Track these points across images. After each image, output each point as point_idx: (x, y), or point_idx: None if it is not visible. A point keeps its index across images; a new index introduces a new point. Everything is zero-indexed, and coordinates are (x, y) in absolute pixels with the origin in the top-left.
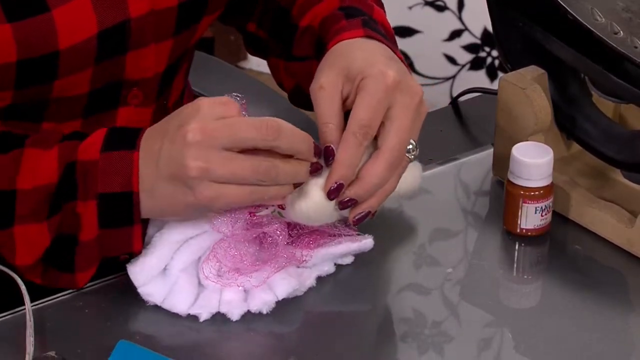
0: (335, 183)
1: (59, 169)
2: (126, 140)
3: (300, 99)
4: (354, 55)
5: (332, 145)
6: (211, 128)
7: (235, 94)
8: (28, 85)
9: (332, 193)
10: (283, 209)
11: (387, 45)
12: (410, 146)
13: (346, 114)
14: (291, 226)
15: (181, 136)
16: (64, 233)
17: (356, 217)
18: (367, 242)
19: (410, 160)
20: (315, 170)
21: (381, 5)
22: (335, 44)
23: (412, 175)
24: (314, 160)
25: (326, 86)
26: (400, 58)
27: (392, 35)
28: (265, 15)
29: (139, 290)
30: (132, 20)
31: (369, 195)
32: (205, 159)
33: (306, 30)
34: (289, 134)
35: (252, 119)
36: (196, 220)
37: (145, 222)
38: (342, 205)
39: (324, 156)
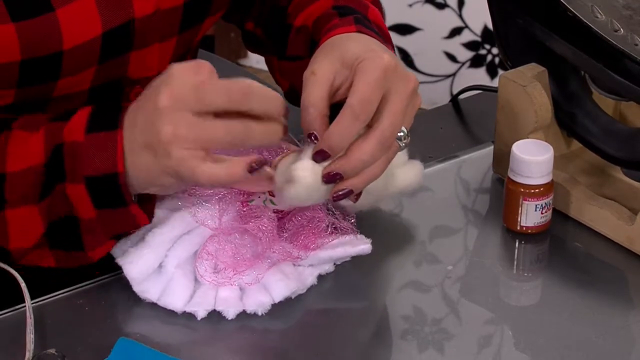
0: (323, 152)
1: (46, 150)
2: (109, 119)
3: (296, 98)
4: (348, 45)
5: (315, 132)
6: (180, 92)
7: None
8: (31, 84)
9: (318, 155)
10: (274, 195)
11: (380, 42)
12: (402, 133)
13: (336, 106)
14: (287, 218)
15: (153, 103)
16: (61, 215)
17: (337, 194)
18: (365, 248)
19: (401, 148)
20: (286, 132)
21: (378, 5)
22: (328, 39)
23: (414, 172)
24: (284, 122)
25: (317, 72)
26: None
27: (386, 35)
28: (263, 13)
29: (135, 288)
30: (136, 20)
31: (354, 173)
32: (176, 123)
33: (300, 30)
34: (260, 95)
35: (222, 82)
36: (180, 194)
37: (147, 198)
38: (327, 179)
39: (306, 141)
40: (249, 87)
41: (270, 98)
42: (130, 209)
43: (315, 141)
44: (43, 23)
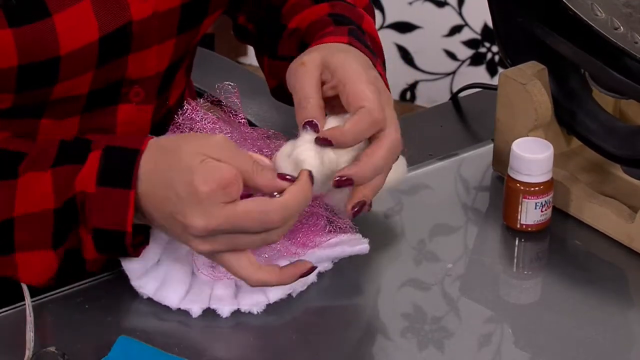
0: (327, 140)
1: (56, 196)
2: (122, 174)
3: (283, 95)
4: (335, 51)
5: (314, 120)
6: (214, 225)
7: (227, 83)
8: (28, 89)
9: (319, 140)
10: None
11: (369, 57)
12: None
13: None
14: None
15: (183, 227)
16: (69, 249)
17: (354, 209)
18: (362, 248)
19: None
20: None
21: (372, 13)
22: (319, 44)
23: (400, 167)
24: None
25: (307, 64)
26: (380, 72)
27: (378, 46)
28: (257, 13)
29: (132, 282)
30: (134, 23)
31: (364, 180)
32: (211, 244)
33: (293, 32)
34: (297, 209)
35: (257, 206)
36: None
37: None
38: (337, 184)
39: (304, 129)
40: (285, 216)
41: (305, 202)
42: (128, 255)
43: (314, 129)
44: (40, 28)
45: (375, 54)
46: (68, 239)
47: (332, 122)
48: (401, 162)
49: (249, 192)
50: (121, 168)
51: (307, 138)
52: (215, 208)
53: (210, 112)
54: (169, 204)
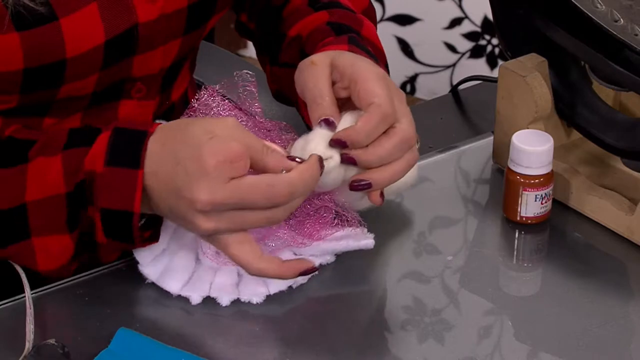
0: (342, 142)
1: (66, 180)
2: (130, 154)
3: (282, 99)
4: (341, 54)
5: (330, 117)
6: (220, 199)
7: (246, 71)
8: (34, 91)
9: (334, 142)
10: None
11: (371, 61)
12: None
13: None
14: None
15: (189, 203)
16: (84, 231)
17: (354, 183)
18: (368, 243)
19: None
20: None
21: (372, 16)
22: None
23: (410, 172)
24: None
25: (318, 63)
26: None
27: (379, 51)
28: (255, 9)
29: (140, 269)
30: (140, 25)
31: (368, 163)
32: (216, 222)
33: (294, 40)
34: (303, 187)
35: (264, 181)
36: None
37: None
38: (343, 160)
39: (319, 125)
40: (291, 191)
41: (311, 182)
42: (135, 244)
43: (331, 126)
44: (47, 32)
45: (376, 58)
46: (81, 220)
47: (347, 119)
48: (413, 169)
49: (256, 174)
50: (129, 148)
51: (321, 132)
52: (222, 182)
53: (227, 99)
54: (176, 180)
